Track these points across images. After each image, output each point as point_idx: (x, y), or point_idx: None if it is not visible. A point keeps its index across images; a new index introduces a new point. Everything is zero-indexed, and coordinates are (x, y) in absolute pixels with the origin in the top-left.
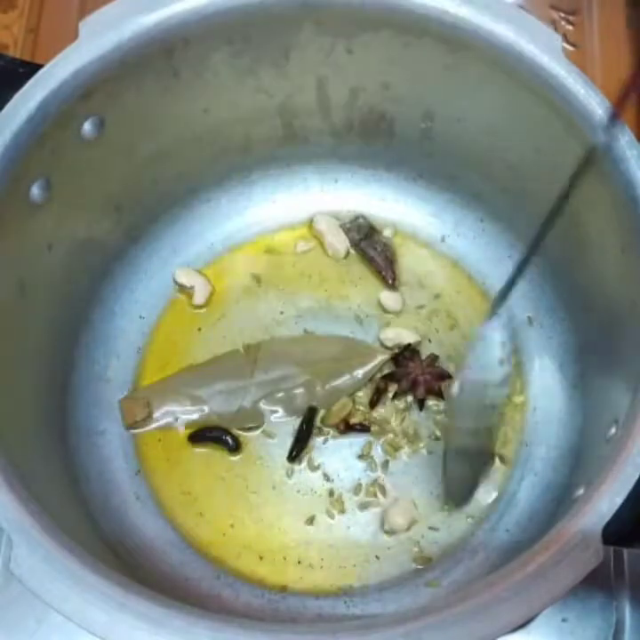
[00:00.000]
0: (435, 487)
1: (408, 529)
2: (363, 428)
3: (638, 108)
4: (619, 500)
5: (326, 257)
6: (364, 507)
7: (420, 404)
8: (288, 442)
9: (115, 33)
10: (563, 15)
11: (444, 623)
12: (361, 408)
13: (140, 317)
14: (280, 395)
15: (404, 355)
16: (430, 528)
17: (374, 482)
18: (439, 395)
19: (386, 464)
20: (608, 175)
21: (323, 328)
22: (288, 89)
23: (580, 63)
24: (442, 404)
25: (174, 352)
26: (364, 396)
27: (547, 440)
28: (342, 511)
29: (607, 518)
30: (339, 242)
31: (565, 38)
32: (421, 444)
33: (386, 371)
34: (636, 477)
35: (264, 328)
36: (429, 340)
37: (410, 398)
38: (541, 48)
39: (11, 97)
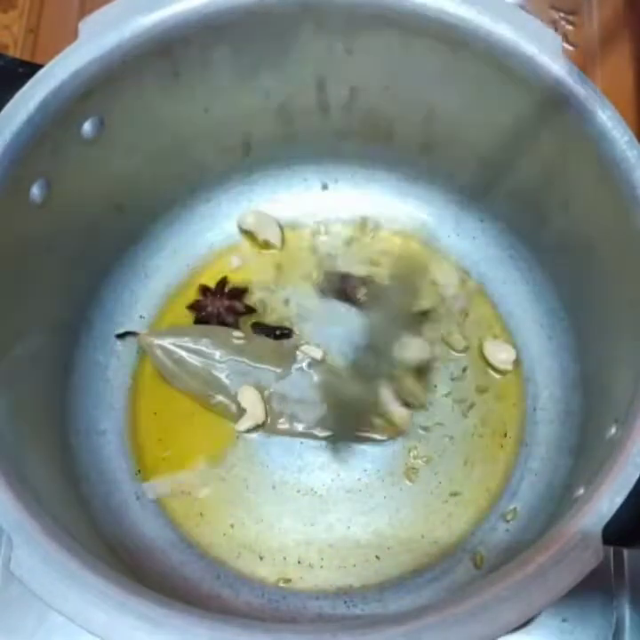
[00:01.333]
0: (435, 487)
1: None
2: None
3: (638, 108)
4: (619, 500)
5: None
6: (364, 506)
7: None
8: (286, 441)
9: (115, 33)
10: (563, 15)
11: (444, 623)
12: None
13: (140, 317)
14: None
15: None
16: (430, 527)
17: (375, 480)
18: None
19: (386, 463)
20: (608, 175)
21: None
22: (288, 89)
23: (580, 63)
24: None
25: None
26: None
27: (546, 440)
28: (342, 511)
29: (607, 518)
30: (273, 235)
31: (565, 38)
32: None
33: None
34: (636, 477)
35: None
36: (431, 342)
37: None
38: (541, 48)
39: (11, 97)
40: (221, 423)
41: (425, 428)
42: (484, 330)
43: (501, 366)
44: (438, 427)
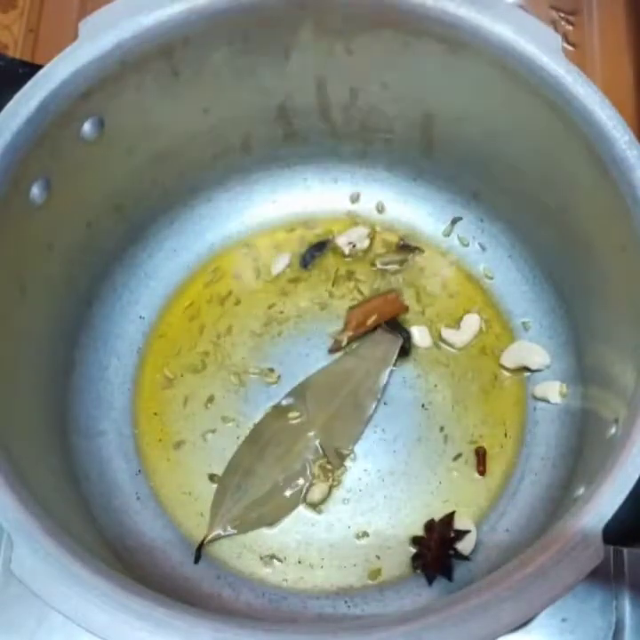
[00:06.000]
0: (436, 487)
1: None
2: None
3: (638, 108)
4: (619, 500)
5: (327, 256)
6: (364, 506)
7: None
8: None
9: (114, 33)
10: (563, 15)
11: (445, 623)
12: None
13: (140, 317)
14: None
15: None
16: None
17: (376, 480)
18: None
19: (386, 463)
20: (608, 175)
21: (321, 328)
22: (288, 89)
23: (580, 63)
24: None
25: (174, 352)
26: None
27: (547, 439)
28: (343, 511)
29: (607, 518)
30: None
31: (565, 38)
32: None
33: None
34: (637, 477)
35: (264, 326)
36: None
37: None
38: (541, 48)
39: (11, 97)
40: (222, 425)
41: (425, 428)
42: (485, 329)
43: (512, 366)
44: (438, 427)
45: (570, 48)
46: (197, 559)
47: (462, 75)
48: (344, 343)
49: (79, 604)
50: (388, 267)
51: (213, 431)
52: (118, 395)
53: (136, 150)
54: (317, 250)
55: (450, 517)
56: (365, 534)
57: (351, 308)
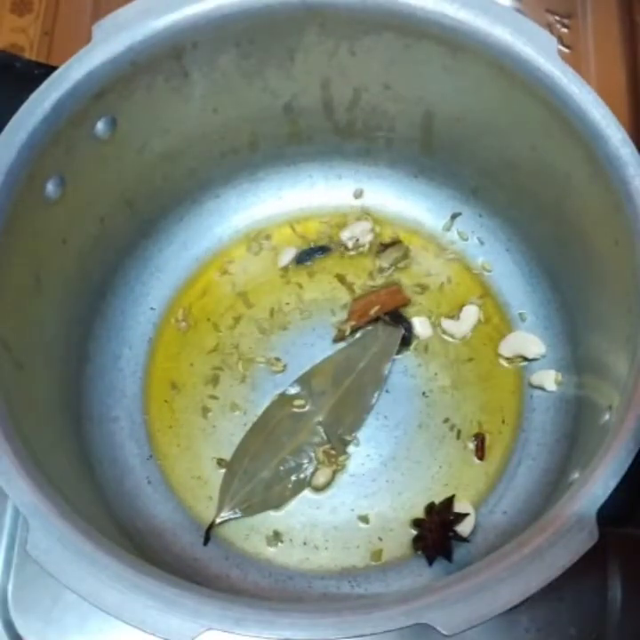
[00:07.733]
0: (436, 471)
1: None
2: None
3: (631, 107)
4: (612, 484)
5: (331, 250)
6: (367, 490)
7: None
8: None
9: (126, 35)
10: (558, 18)
11: (445, 602)
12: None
13: (151, 309)
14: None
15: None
16: None
17: (378, 465)
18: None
19: (388, 448)
20: (601, 172)
21: (326, 319)
22: (293, 89)
23: (575, 64)
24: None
25: (184, 342)
26: None
27: (543, 426)
28: (347, 494)
29: (601, 501)
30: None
31: (561, 41)
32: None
33: None
34: (630, 462)
35: (271, 318)
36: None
37: None
38: (537, 50)
39: (27, 97)
40: (230, 412)
41: (425, 415)
42: (484, 320)
43: (509, 355)
44: (438, 414)
45: (565, 50)
46: (206, 541)
47: (461, 76)
48: (347, 333)
49: (92, 583)
50: (391, 260)
51: (221, 418)
52: (130, 383)
53: (147, 148)
54: (321, 245)
55: (449, 501)
56: (368, 517)
57: (355, 300)
